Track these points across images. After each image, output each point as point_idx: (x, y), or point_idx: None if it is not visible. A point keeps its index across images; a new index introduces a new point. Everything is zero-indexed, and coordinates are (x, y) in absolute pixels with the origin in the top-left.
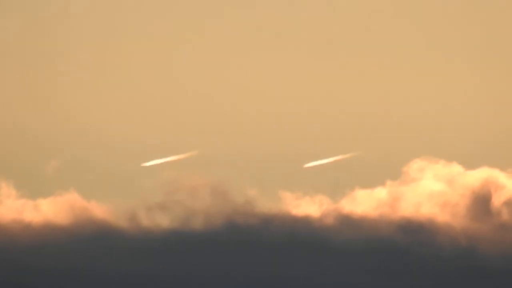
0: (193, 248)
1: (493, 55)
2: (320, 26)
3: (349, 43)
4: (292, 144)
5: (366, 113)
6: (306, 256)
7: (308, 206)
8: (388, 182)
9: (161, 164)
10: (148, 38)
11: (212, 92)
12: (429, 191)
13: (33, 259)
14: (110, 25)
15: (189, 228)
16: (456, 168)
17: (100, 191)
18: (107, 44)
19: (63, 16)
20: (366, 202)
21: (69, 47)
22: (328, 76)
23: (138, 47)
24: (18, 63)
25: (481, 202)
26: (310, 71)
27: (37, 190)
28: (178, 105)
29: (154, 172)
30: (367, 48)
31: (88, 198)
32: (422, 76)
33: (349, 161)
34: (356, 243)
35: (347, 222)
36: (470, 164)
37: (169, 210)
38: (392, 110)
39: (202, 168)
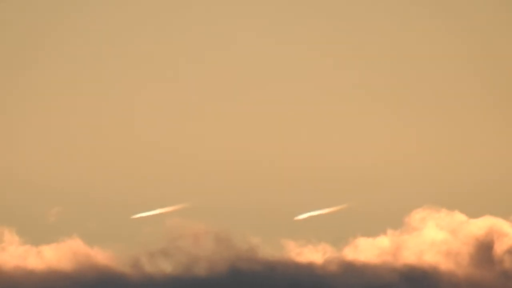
0: None
1: (494, 101)
2: (316, 70)
3: (350, 93)
4: (294, 194)
5: (368, 164)
6: None
7: (311, 254)
8: (391, 231)
9: (165, 212)
10: (147, 84)
11: (216, 142)
12: (432, 239)
13: None
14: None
15: (192, 275)
16: (458, 217)
17: (103, 237)
18: (104, 86)
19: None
20: (368, 250)
21: (66, 92)
22: (330, 126)
23: (141, 93)
24: (14, 105)
25: (484, 250)
26: (312, 121)
27: (40, 237)
28: (182, 155)
29: (157, 219)
30: (368, 99)
31: (91, 244)
32: (422, 126)
33: (351, 210)
34: None
35: (350, 270)
36: (472, 212)
37: (172, 257)
38: (394, 160)
39: (205, 216)
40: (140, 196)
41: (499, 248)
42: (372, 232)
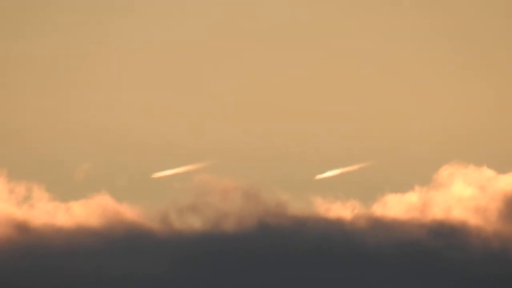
0: (225, 250)
1: None
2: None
3: (378, 48)
4: (323, 150)
5: (397, 120)
6: (338, 259)
7: (340, 210)
8: (419, 188)
9: (194, 168)
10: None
11: (244, 97)
12: (460, 195)
13: (65, 262)
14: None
15: (220, 230)
16: (487, 173)
17: (132, 194)
18: (135, 37)
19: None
20: (397, 207)
21: (96, 53)
22: (359, 82)
23: (166, 50)
24: (44, 67)
25: None
26: (339, 76)
27: (69, 193)
28: (212, 110)
29: (186, 175)
30: (396, 54)
31: (120, 200)
32: (450, 82)
33: (380, 167)
34: (387, 247)
35: (379, 225)
36: (501, 168)
37: (200, 213)
38: (422, 117)
39: (234, 172)
40: (169, 152)
41: None
42: (400, 188)
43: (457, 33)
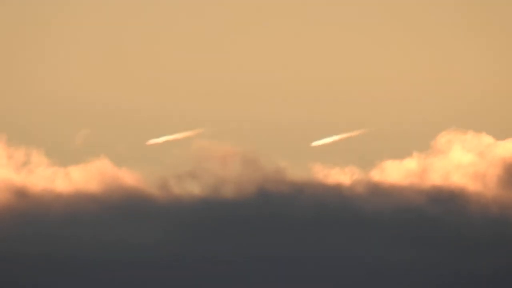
0: (224, 216)
1: None
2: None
3: (376, 15)
4: (322, 116)
5: (394, 86)
6: (336, 224)
7: (338, 176)
8: (418, 154)
9: (192, 134)
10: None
11: (243, 63)
12: (459, 161)
13: (64, 228)
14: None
15: (219, 196)
16: (486, 139)
17: (131, 159)
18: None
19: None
20: (395, 173)
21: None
22: (355, 49)
23: (165, 16)
24: (45, 29)
25: None
26: (337, 44)
27: (68, 158)
28: (209, 77)
29: (185, 141)
30: (393, 21)
31: (119, 165)
32: (448, 47)
33: (378, 133)
34: (386, 212)
35: (378, 191)
36: (500, 134)
37: (199, 179)
38: (420, 83)
39: (232, 138)
40: (167, 118)
41: None
42: (398, 154)
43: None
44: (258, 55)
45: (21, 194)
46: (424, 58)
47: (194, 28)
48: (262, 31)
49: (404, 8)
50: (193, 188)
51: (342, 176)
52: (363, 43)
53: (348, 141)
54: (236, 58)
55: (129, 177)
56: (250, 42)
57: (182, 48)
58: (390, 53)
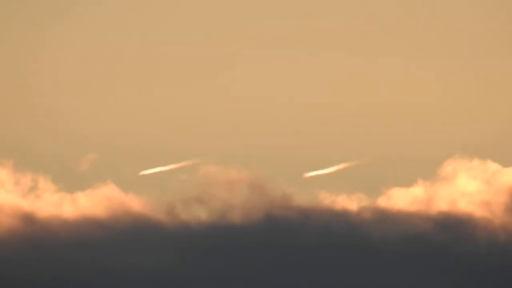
0: (231, 241)
1: None
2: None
3: (381, 41)
4: (328, 144)
5: (400, 114)
6: (343, 250)
7: (345, 203)
8: (424, 181)
9: (199, 160)
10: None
11: (251, 89)
12: (466, 189)
13: (71, 253)
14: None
15: (226, 222)
16: (492, 166)
17: (138, 184)
18: (140, 35)
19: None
20: (402, 200)
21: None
22: (362, 77)
23: (175, 44)
24: (52, 59)
25: None
26: (345, 72)
27: (75, 184)
28: (216, 104)
29: (192, 167)
30: (399, 48)
31: (126, 191)
32: (453, 74)
33: (383, 161)
34: (392, 239)
35: (384, 218)
36: (506, 161)
37: (206, 204)
38: (426, 111)
39: (239, 164)
40: (175, 144)
41: None
42: (405, 182)
43: (461, 27)
44: (267, 79)
45: (28, 219)
46: (430, 86)
47: (201, 54)
48: (269, 58)
49: (408, 36)
50: (200, 214)
51: (349, 203)
52: (369, 71)
53: (354, 169)
54: (245, 84)
55: (136, 203)
56: (257, 69)
57: (191, 75)
58: (396, 81)
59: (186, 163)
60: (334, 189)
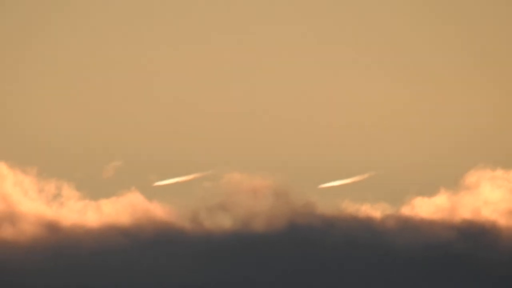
0: (254, 249)
1: None
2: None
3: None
4: (352, 153)
5: (424, 125)
6: (366, 259)
7: (369, 211)
8: (447, 191)
9: (224, 167)
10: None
11: (275, 98)
12: (489, 198)
13: (95, 261)
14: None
15: (250, 230)
16: None
17: (162, 192)
18: (162, 43)
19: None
20: (425, 209)
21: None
22: (388, 86)
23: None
24: (77, 65)
25: None
26: (367, 82)
27: (99, 191)
28: (241, 111)
29: (216, 175)
30: (426, 59)
31: (150, 199)
32: (478, 84)
33: (408, 170)
34: (416, 248)
35: (408, 226)
36: None
37: (230, 212)
38: (450, 121)
39: (263, 171)
40: (199, 152)
41: None
42: (428, 191)
43: (486, 40)
44: (293, 88)
45: (52, 227)
46: (455, 97)
47: (227, 62)
48: (297, 65)
49: (430, 43)
50: (224, 221)
51: (372, 211)
52: (394, 81)
53: (378, 178)
54: (272, 93)
55: (160, 210)
56: (287, 74)
57: (216, 83)
58: (420, 91)
59: (211, 171)
60: (358, 198)
